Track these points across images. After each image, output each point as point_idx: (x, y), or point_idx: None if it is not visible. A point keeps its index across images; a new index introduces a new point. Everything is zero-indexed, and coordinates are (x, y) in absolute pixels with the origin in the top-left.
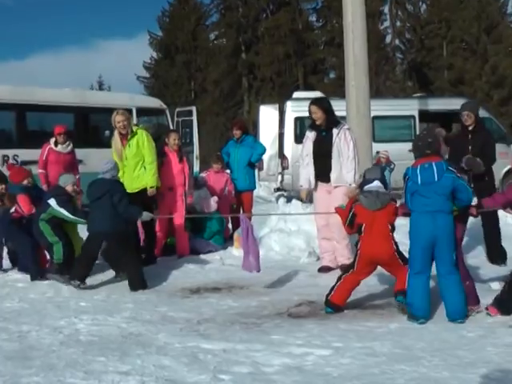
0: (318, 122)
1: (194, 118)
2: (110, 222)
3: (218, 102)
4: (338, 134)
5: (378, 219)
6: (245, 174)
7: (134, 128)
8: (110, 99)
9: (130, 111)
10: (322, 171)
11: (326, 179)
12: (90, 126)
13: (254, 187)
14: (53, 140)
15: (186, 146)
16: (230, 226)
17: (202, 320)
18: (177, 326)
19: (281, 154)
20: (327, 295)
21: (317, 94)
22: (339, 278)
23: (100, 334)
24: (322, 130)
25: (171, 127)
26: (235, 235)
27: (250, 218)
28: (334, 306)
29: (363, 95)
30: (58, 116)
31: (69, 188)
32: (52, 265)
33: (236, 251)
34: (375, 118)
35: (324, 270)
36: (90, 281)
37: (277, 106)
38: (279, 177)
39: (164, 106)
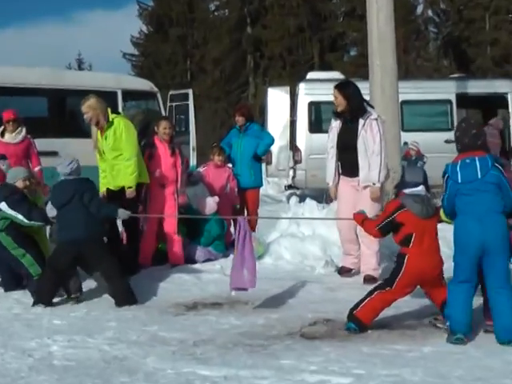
0: (338, 109)
1: (191, 102)
2: (85, 227)
3: (219, 85)
4: (364, 124)
5: (428, 229)
6: (250, 169)
7: (111, 116)
8: (90, 80)
9: (114, 94)
10: (347, 166)
11: (352, 174)
12: (67, 112)
13: (261, 184)
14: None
15: (181, 136)
16: (232, 229)
17: (199, 341)
18: (169, 348)
19: (292, 146)
20: (352, 309)
21: (334, 74)
22: (370, 293)
23: (77, 358)
24: (347, 119)
25: (163, 113)
26: None
27: (255, 222)
28: (359, 322)
29: (390, 76)
30: (28, 100)
31: (19, 184)
32: (30, 281)
33: None
34: (404, 102)
35: (344, 271)
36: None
37: (288, 88)
38: (291, 172)
39: (155, 89)
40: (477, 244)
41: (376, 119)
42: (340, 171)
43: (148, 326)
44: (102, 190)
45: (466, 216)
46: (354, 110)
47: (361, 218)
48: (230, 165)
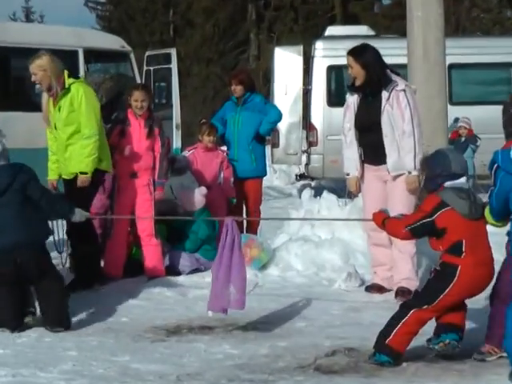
0: (357, 82)
1: (174, 66)
2: (26, 228)
3: (211, 43)
4: (389, 98)
5: (480, 233)
6: (250, 153)
7: (68, 82)
8: (42, 36)
9: (74, 54)
10: (370, 151)
11: (376, 161)
12: (12, 78)
13: (264, 173)
14: None
15: (161, 110)
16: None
17: (184, 376)
18: None
19: (306, 123)
20: (382, 336)
21: (361, 29)
22: (403, 313)
23: None
24: (366, 92)
25: (138, 80)
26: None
27: (256, 221)
28: (393, 353)
29: (434, 32)
30: None
31: None
32: None
33: None
34: (453, 66)
35: (374, 289)
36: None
37: (300, 48)
38: (303, 158)
39: (128, 48)
40: None
41: (403, 90)
42: (362, 158)
43: (118, 356)
44: (51, 178)
45: None
46: (374, 80)
47: (381, 218)
48: (225, 147)
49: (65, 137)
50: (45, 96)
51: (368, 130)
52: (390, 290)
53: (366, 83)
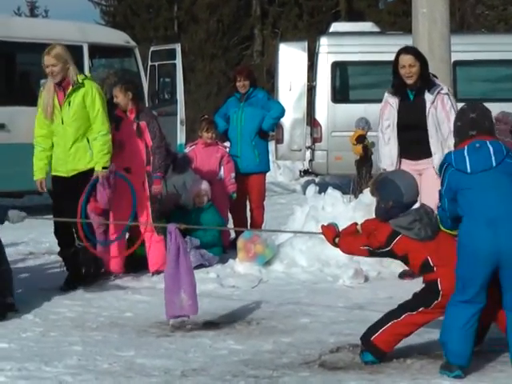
0: (410, 81)
1: (179, 61)
2: None
3: (215, 39)
4: (434, 101)
5: (443, 243)
6: (253, 149)
7: (80, 77)
8: (47, 31)
9: (78, 50)
10: (410, 147)
11: (416, 156)
12: (17, 73)
13: (268, 169)
14: None
15: (166, 105)
16: (230, 226)
17: (189, 371)
18: (150, 379)
19: (310, 119)
20: (368, 333)
21: (366, 26)
22: (395, 314)
23: None
24: (408, 92)
25: (142, 74)
26: (240, 242)
27: (261, 217)
28: (378, 352)
29: (440, 28)
30: None
31: None
32: None
33: (241, 266)
34: (458, 63)
35: (407, 276)
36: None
37: (305, 44)
38: (307, 154)
39: (132, 43)
40: (489, 256)
41: (447, 93)
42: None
43: (123, 351)
44: (40, 177)
45: (474, 219)
46: (424, 81)
47: (332, 234)
48: (228, 143)
49: (72, 132)
50: (50, 88)
51: (409, 129)
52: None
53: (420, 81)
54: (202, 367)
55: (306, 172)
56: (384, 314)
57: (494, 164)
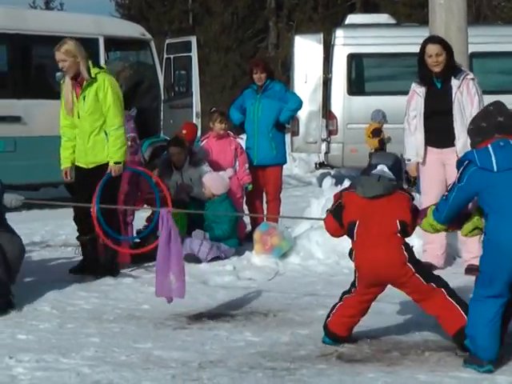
0: (437, 69)
1: (194, 54)
2: None
3: (230, 31)
4: (460, 86)
5: (378, 213)
6: (270, 141)
7: (94, 71)
8: (62, 24)
9: (94, 42)
10: (437, 134)
11: (441, 144)
12: (33, 66)
13: (284, 161)
14: None
15: (182, 98)
16: (245, 219)
17: (206, 363)
18: (167, 371)
19: (326, 112)
20: (326, 318)
21: (382, 18)
22: (340, 298)
23: None
24: (436, 81)
25: (158, 68)
26: (256, 234)
27: (277, 209)
28: (333, 335)
29: (457, 20)
30: None
31: None
32: None
33: (257, 258)
34: (475, 55)
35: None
36: (30, 301)
37: (320, 36)
38: (323, 146)
39: (148, 36)
40: None
41: (473, 79)
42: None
43: (140, 343)
44: (66, 166)
45: (503, 216)
46: (451, 68)
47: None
48: (244, 136)
49: (88, 126)
50: (67, 83)
51: (436, 116)
52: (440, 268)
53: (445, 70)
54: (220, 359)
55: (321, 164)
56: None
57: None
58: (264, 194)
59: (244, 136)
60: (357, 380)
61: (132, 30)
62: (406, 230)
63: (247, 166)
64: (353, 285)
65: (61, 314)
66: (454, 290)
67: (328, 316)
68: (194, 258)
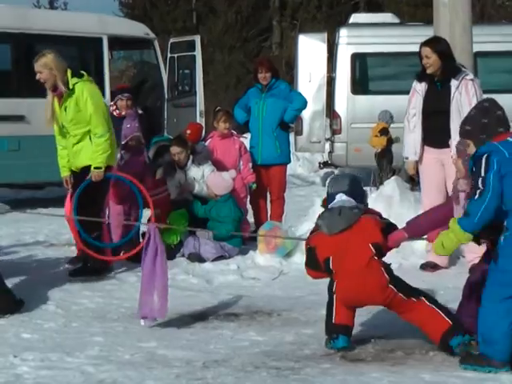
0: (429, 71)
1: (198, 53)
2: None
3: (233, 30)
4: (458, 86)
5: (350, 244)
6: (274, 140)
7: (72, 82)
8: (66, 23)
9: (98, 42)
10: (435, 134)
11: (439, 144)
12: None
13: (289, 160)
14: None
15: (185, 97)
16: (249, 218)
17: (210, 362)
18: (171, 370)
19: (330, 111)
20: (328, 321)
21: (386, 17)
22: (329, 295)
23: (53, 383)
24: (435, 80)
25: (162, 67)
26: (261, 233)
27: (281, 209)
28: (345, 329)
29: (461, 19)
30: None
31: None
32: None
33: (262, 257)
34: (479, 54)
35: (429, 267)
36: (35, 299)
37: (324, 35)
38: (327, 145)
39: (152, 35)
40: None
41: (472, 80)
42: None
43: (144, 342)
44: (66, 175)
45: None
46: (448, 70)
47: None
48: (247, 135)
49: (73, 134)
50: (48, 95)
51: (435, 115)
52: (444, 268)
53: (440, 72)
54: (224, 358)
55: (325, 164)
56: (327, 303)
57: None
58: (268, 194)
59: (248, 135)
60: (361, 379)
61: (136, 29)
62: (381, 251)
63: (251, 165)
64: (330, 291)
65: (65, 313)
66: (433, 297)
67: (330, 316)
68: (198, 258)
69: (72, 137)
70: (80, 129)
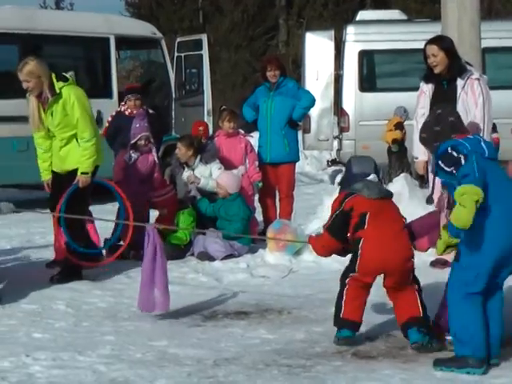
0: (436, 70)
1: (205, 52)
2: None
3: (240, 29)
4: (464, 86)
5: (388, 209)
6: (283, 138)
7: (58, 86)
8: (73, 23)
9: (105, 42)
10: None
11: None
12: None
13: (297, 158)
14: None
15: (193, 96)
16: (257, 216)
17: (221, 360)
18: (183, 369)
19: (338, 109)
20: (337, 313)
21: (393, 14)
22: (341, 285)
23: (65, 382)
24: (442, 80)
25: (169, 66)
26: (270, 232)
27: (290, 207)
28: (352, 324)
29: (469, 15)
30: None
31: None
32: None
33: (271, 256)
34: (487, 50)
35: (439, 264)
36: (43, 299)
37: (331, 33)
38: (335, 143)
39: (159, 35)
40: (508, 247)
41: (478, 79)
42: None
43: (155, 341)
44: (47, 178)
45: (496, 211)
46: (454, 68)
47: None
48: (256, 133)
49: (60, 138)
50: (32, 101)
51: None
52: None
53: (447, 70)
54: (235, 356)
55: (333, 161)
56: (337, 295)
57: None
58: (277, 192)
59: (255, 134)
60: (372, 377)
61: (142, 28)
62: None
63: (257, 163)
64: (351, 270)
65: (76, 312)
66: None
67: (339, 309)
68: (208, 256)
69: (59, 140)
70: (67, 132)
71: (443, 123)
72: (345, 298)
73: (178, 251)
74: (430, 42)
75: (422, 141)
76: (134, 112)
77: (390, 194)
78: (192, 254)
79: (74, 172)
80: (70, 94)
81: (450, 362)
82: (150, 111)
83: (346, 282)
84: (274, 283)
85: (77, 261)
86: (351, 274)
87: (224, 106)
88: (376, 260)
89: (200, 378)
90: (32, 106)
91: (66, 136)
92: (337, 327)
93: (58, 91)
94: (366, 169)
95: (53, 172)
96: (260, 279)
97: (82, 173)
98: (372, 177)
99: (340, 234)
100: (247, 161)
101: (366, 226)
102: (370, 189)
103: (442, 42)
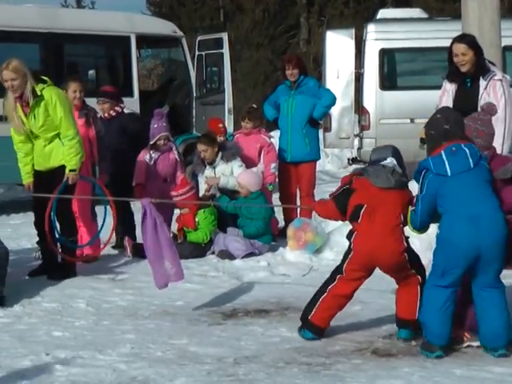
0: (464, 69)
1: (226, 50)
2: None
3: (261, 28)
4: (486, 87)
5: (387, 203)
6: (304, 137)
7: (39, 88)
8: (95, 22)
9: (126, 40)
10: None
11: None
12: (65, 64)
13: (318, 157)
14: None
15: (214, 95)
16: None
17: (242, 358)
18: (203, 367)
19: (358, 107)
20: (305, 313)
21: (414, 12)
22: (322, 291)
23: (86, 381)
24: (466, 79)
25: (190, 64)
26: (290, 230)
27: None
28: (316, 329)
29: (490, 13)
30: (13, 48)
31: None
32: None
33: (291, 254)
34: (508, 48)
35: None
36: (65, 296)
37: (352, 31)
38: (356, 141)
39: (179, 33)
40: (469, 251)
41: (500, 79)
42: None
43: (175, 339)
44: (29, 181)
45: (456, 216)
46: (479, 68)
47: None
48: (276, 132)
49: (43, 139)
50: (10, 100)
51: (464, 115)
52: None
53: (474, 69)
54: (255, 355)
55: (354, 160)
56: (314, 294)
57: (471, 165)
58: (297, 191)
59: (276, 133)
60: (392, 374)
61: (163, 27)
62: (405, 222)
63: (274, 165)
64: (338, 271)
65: (96, 310)
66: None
67: (309, 310)
68: (229, 255)
69: (43, 140)
70: (50, 132)
71: (437, 129)
72: (318, 304)
73: (199, 250)
74: (460, 40)
75: (422, 140)
76: (106, 115)
77: (400, 184)
78: (213, 253)
79: (57, 170)
80: (52, 94)
81: (422, 346)
82: (126, 111)
83: (328, 289)
84: (295, 281)
85: (68, 257)
86: (337, 277)
87: (254, 105)
88: (364, 254)
89: (220, 376)
90: (10, 107)
91: (49, 136)
92: (301, 325)
93: (39, 93)
94: (383, 154)
95: (36, 171)
96: (280, 277)
97: (70, 170)
98: (389, 160)
99: (342, 207)
100: (261, 160)
101: (360, 220)
102: (379, 176)
103: (471, 40)
